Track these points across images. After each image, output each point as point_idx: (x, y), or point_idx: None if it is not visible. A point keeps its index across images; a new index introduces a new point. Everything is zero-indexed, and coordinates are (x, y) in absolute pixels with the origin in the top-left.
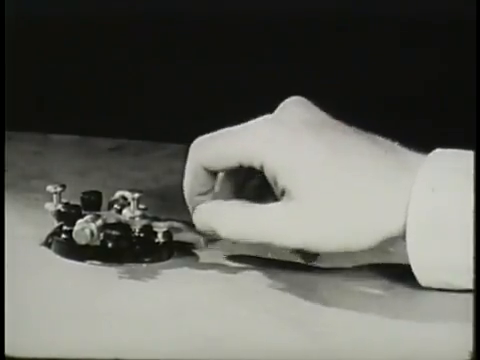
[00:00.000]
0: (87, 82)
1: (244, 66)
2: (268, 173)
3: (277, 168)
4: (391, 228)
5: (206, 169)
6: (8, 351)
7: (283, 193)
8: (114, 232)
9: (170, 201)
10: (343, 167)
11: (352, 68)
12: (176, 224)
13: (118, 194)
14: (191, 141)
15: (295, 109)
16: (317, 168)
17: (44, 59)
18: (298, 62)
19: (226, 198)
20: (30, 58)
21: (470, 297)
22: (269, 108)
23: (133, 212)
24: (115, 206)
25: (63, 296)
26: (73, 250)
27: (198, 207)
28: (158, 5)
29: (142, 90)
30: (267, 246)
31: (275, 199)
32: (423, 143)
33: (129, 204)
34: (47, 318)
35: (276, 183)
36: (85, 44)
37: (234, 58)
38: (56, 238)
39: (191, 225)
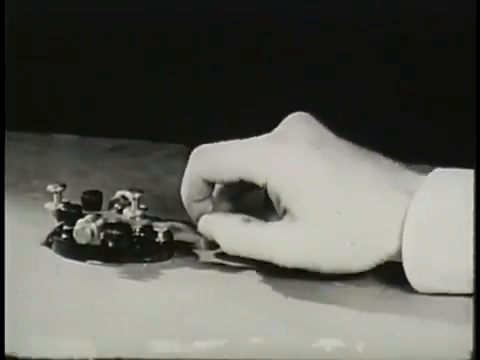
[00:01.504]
0: (87, 82)
1: (244, 66)
2: (271, 192)
3: (280, 188)
4: (388, 249)
5: (205, 180)
6: (8, 351)
7: (285, 212)
8: (115, 232)
9: (170, 201)
10: (345, 188)
11: (352, 68)
12: (176, 224)
13: (118, 194)
14: (191, 140)
15: (299, 126)
16: (320, 189)
17: (44, 59)
18: (300, 67)
19: (225, 207)
20: (30, 58)
21: (470, 297)
22: (269, 108)
23: (134, 212)
24: (116, 206)
25: (63, 296)
26: (73, 250)
27: (203, 217)
28: (158, 5)
29: (142, 90)
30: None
31: (273, 209)
32: (423, 144)
33: (130, 204)
34: (47, 318)
35: (278, 202)
36: (85, 44)
37: (234, 58)
38: (56, 238)
39: (191, 225)
